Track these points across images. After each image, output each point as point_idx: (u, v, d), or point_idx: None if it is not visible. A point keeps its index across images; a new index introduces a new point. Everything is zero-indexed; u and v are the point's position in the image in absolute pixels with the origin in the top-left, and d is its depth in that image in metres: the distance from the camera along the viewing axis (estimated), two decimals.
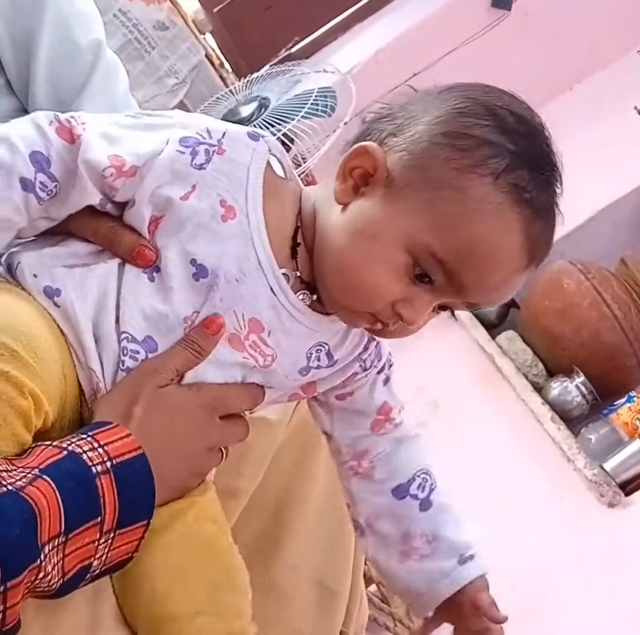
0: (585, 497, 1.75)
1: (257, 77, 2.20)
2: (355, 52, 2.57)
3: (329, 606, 1.04)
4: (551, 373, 2.09)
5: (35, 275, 0.71)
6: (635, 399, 2.01)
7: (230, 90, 2.20)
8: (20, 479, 0.59)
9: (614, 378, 2.04)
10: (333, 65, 2.14)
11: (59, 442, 0.64)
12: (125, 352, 0.70)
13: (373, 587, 1.55)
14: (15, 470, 0.60)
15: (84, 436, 0.65)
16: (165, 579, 0.71)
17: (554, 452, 1.85)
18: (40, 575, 0.59)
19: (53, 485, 0.60)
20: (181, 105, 2.36)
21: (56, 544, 0.60)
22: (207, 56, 2.43)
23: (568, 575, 1.63)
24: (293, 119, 1.88)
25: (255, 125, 1.85)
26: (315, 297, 0.76)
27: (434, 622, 0.85)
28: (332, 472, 1.03)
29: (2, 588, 0.56)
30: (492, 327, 2.22)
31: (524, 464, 1.87)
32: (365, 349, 0.81)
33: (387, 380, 0.84)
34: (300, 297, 0.75)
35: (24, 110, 1.01)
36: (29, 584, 0.58)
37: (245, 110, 2.03)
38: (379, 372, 0.83)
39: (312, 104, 1.92)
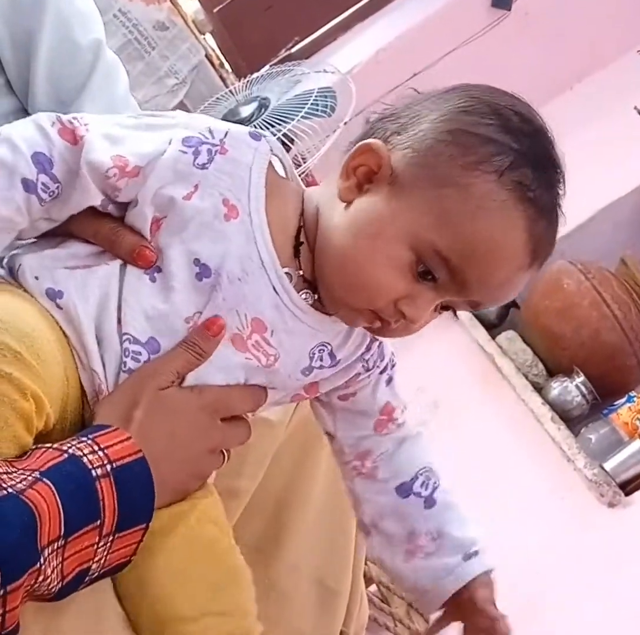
0: (585, 497, 1.75)
1: (257, 77, 2.20)
2: (356, 52, 2.57)
3: (329, 606, 1.04)
4: (551, 373, 2.09)
5: (37, 278, 0.71)
6: (635, 398, 2.01)
7: (230, 91, 2.20)
8: (20, 482, 0.59)
9: (614, 378, 2.04)
10: (333, 65, 2.14)
11: (59, 444, 0.64)
12: (127, 353, 0.70)
13: (373, 587, 1.55)
14: (15, 472, 0.60)
15: (84, 439, 0.64)
16: (169, 581, 0.71)
17: (554, 452, 1.85)
18: (40, 578, 0.59)
19: (53, 488, 0.60)
20: (181, 106, 2.36)
21: (56, 547, 0.60)
22: (207, 56, 2.43)
23: (568, 575, 1.63)
24: (293, 119, 1.88)
25: (255, 126, 1.85)
26: (317, 296, 0.76)
27: (443, 621, 0.85)
28: (332, 473, 1.03)
29: (1, 591, 0.55)
30: (492, 327, 2.22)
31: (524, 463, 1.87)
32: (368, 349, 0.81)
33: (389, 381, 0.84)
34: (303, 296, 0.75)
35: (24, 110, 1.01)
36: (29, 587, 0.58)
37: (245, 111, 2.03)
38: (381, 372, 0.83)
39: (312, 104, 1.92)
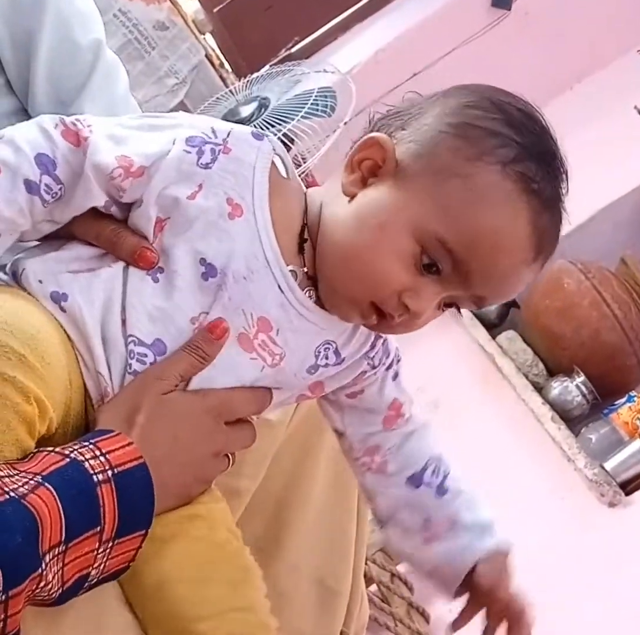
0: (585, 496, 1.75)
1: (257, 77, 2.20)
2: (355, 52, 2.57)
3: (329, 606, 1.04)
4: (551, 373, 2.09)
5: (40, 281, 0.70)
6: (635, 398, 2.01)
7: (230, 91, 2.20)
8: (22, 486, 0.59)
9: (614, 378, 2.04)
10: (333, 65, 2.14)
11: (61, 448, 0.64)
12: (132, 355, 0.70)
13: (373, 587, 1.55)
14: (17, 474, 0.60)
15: (86, 444, 0.64)
16: (187, 582, 0.70)
17: (554, 451, 1.85)
18: (42, 584, 0.59)
19: (55, 493, 0.59)
20: (181, 106, 2.36)
21: (56, 552, 0.59)
22: (207, 56, 2.43)
23: (568, 575, 1.62)
24: (293, 119, 1.88)
25: (255, 126, 1.85)
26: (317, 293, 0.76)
27: (467, 612, 0.85)
28: (333, 473, 1.03)
29: (3, 597, 0.55)
30: (493, 327, 2.22)
31: (525, 463, 1.87)
32: (373, 347, 0.81)
33: (396, 376, 0.84)
34: (307, 294, 0.75)
35: (24, 110, 1.01)
36: (30, 592, 0.58)
37: (245, 111, 2.03)
38: (387, 369, 0.83)
39: (312, 104, 1.92)
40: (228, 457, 0.76)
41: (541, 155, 0.70)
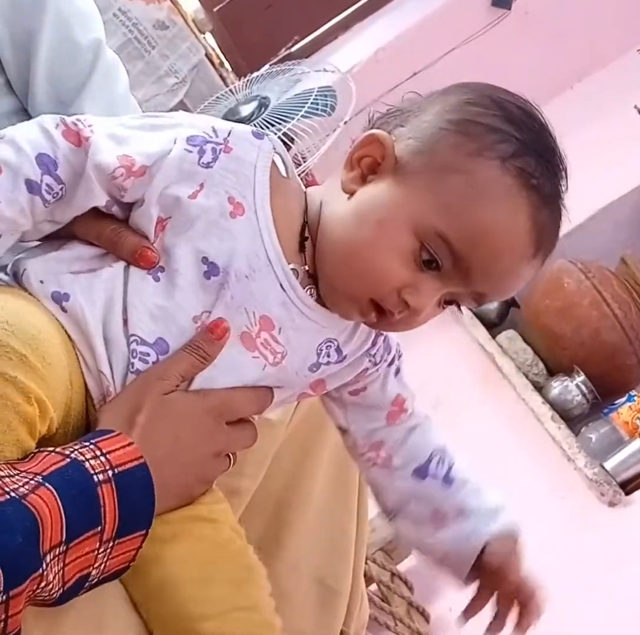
0: (585, 496, 1.75)
1: (257, 76, 2.20)
2: (356, 51, 2.57)
3: (329, 605, 1.04)
4: (551, 372, 2.09)
5: (42, 281, 0.70)
6: (635, 398, 2.01)
7: (230, 90, 2.20)
8: (23, 486, 0.59)
9: (614, 377, 2.04)
10: (333, 64, 2.14)
11: (61, 448, 0.64)
12: (134, 354, 0.70)
13: (373, 587, 1.55)
14: (17, 474, 0.60)
15: (87, 444, 0.64)
16: (190, 583, 0.70)
17: (554, 451, 1.85)
18: (42, 584, 0.59)
19: (55, 493, 0.59)
20: (181, 105, 2.36)
21: (57, 553, 0.59)
22: (207, 55, 2.43)
23: (568, 574, 1.62)
24: (293, 118, 1.88)
25: (255, 125, 1.85)
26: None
27: (479, 599, 0.85)
28: (333, 472, 1.03)
29: (4, 597, 0.55)
30: (493, 326, 2.22)
31: (525, 463, 1.87)
32: (374, 344, 0.81)
33: (397, 372, 0.84)
34: (308, 292, 0.75)
35: (24, 110, 1.01)
36: (31, 593, 0.58)
37: (245, 110, 2.03)
38: (389, 365, 0.83)
39: (312, 103, 1.92)
40: (229, 457, 0.76)
41: (540, 152, 0.71)
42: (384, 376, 0.83)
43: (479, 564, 0.84)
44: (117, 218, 0.73)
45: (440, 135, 0.71)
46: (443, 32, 2.53)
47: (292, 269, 0.74)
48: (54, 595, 0.61)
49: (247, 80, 2.19)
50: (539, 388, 2.02)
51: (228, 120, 0.79)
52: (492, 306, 2.24)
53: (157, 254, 0.71)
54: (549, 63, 2.60)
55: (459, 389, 2.09)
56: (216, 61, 2.47)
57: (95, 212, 0.72)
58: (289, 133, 1.88)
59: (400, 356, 0.84)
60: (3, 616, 0.56)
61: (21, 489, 0.58)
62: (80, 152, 0.69)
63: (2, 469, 0.60)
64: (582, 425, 1.99)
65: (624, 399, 2.02)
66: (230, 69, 2.54)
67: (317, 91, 1.96)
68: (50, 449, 0.64)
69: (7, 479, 0.59)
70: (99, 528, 0.62)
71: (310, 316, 0.75)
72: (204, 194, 0.71)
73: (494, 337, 2.14)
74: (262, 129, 0.80)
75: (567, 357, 2.04)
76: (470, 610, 0.85)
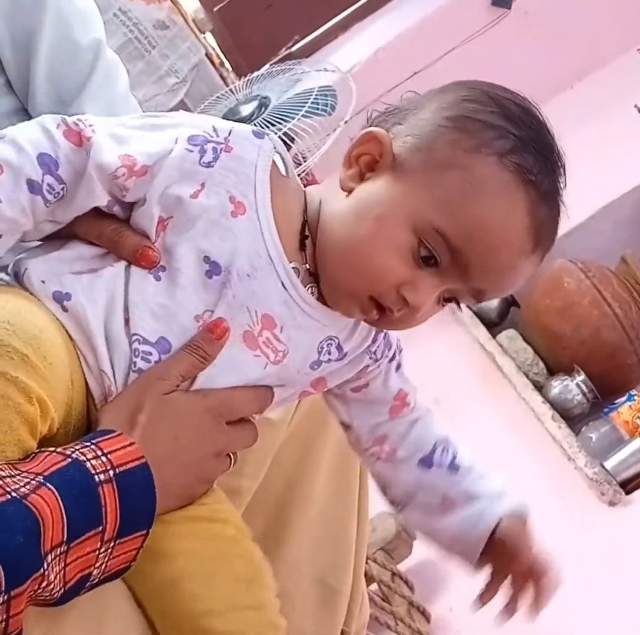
0: (585, 495, 1.75)
1: (258, 76, 2.20)
2: (356, 51, 2.57)
3: (330, 605, 1.04)
4: (552, 372, 2.09)
5: (43, 281, 0.71)
6: (635, 397, 2.01)
7: (231, 90, 2.20)
8: (24, 486, 0.59)
9: (615, 376, 2.04)
10: (333, 64, 2.15)
11: (62, 448, 0.64)
12: (136, 353, 0.70)
13: (374, 586, 1.55)
14: (19, 474, 0.60)
15: (88, 444, 0.64)
16: (196, 581, 0.71)
17: (554, 450, 1.85)
18: (44, 584, 0.59)
19: (57, 493, 0.59)
20: (181, 105, 2.36)
21: (58, 552, 0.59)
22: (208, 55, 2.43)
23: (568, 574, 1.62)
24: (293, 118, 1.88)
25: (255, 125, 1.85)
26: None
27: (492, 583, 0.85)
28: (334, 472, 1.03)
29: (5, 597, 0.55)
30: (493, 326, 2.22)
31: (525, 462, 1.87)
32: (374, 341, 0.81)
33: (398, 367, 0.84)
34: (309, 290, 0.75)
35: (24, 109, 1.01)
36: (32, 592, 0.58)
37: (246, 109, 2.03)
38: (390, 361, 0.83)
39: (312, 102, 1.92)
40: (230, 456, 0.76)
41: (538, 148, 0.71)
42: (385, 372, 0.83)
43: (490, 548, 0.84)
44: (118, 218, 0.73)
45: (438, 132, 0.71)
46: (443, 32, 2.53)
47: (293, 267, 0.74)
48: (55, 595, 0.61)
49: (248, 80, 2.19)
50: (539, 387, 2.02)
51: (228, 120, 0.79)
52: (492, 305, 2.24)
53: (158, 254, 0.71)
54: (549, 63, 2.60)
55: (459, 388, 2.09)
56: (216, 61, 2.47)
57: (96, 212, 0.73)
58: (289, 133, 1.88)
59: (400, 351, 0.84)
60: (4, 616, 0.56)
61: (22, 489, 0.58)
62: (81, 152, 0.69)
63: (3, 469, 0.60)
64: (582, 424, 1.99)
65: (624, 399, 2.02)
66: (230, 69, 2.54)
67: (318, 91, 1.96)
68: (51, 449, 0.64)
69: (8, 479, 0.59)
70: (100, 528, 0.62)
71: (312, 314, 0.75)
72: (205, 194, 0.71)
73: (494, 336, 2.14)
74: (263, 128, 0.80)
75: (568, 357, 2.04)
76: (485, 594, 0.85)
